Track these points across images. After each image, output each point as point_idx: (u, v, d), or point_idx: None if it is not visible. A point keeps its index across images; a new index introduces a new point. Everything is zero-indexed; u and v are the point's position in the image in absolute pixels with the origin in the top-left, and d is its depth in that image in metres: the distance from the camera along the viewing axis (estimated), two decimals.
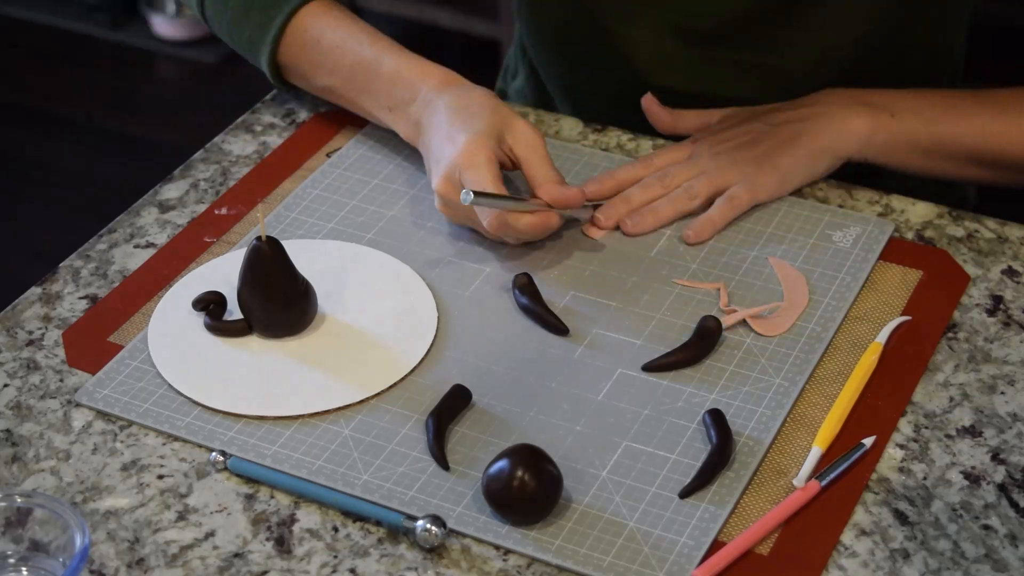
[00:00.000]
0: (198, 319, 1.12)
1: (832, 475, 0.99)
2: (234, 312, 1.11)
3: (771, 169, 1.21)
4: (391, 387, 1.07)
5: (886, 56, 1.31)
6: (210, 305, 1.12)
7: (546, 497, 0.97)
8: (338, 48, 1.25)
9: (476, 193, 1.10)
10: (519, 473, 0.96)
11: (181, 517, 0.99)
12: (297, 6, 1.27)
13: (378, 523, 0.98)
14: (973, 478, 1.00)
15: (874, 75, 1.29)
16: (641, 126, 1.32)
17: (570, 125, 1.34)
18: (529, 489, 0.96)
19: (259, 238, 1.08)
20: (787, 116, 1.24)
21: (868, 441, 1.02)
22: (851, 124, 1.22)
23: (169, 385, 1.07)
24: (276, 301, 1.09)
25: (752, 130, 1.24)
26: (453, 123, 1.17)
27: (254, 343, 1.10)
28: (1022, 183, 1.26)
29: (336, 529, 0.98)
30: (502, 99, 1.24)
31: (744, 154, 1.22)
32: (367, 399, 1.06)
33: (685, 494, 0.99)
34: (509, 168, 1.18)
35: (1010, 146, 1.22)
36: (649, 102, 1.29)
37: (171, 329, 1.11)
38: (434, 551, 0.96)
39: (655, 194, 1.21)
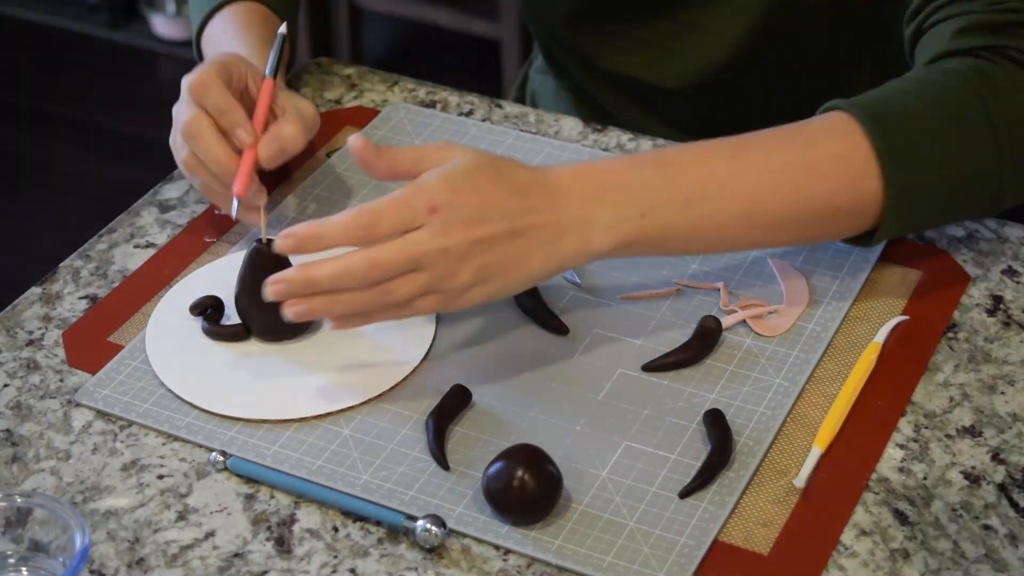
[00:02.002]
0: (196, 323, 1.12)
1: None
2: (232, 316, 1.11)
3: (481, 289, 1.03)
4: (391, 388, 1.07)
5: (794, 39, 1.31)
6: (207, 310, 1.11)
7: (546, 497, 0.97)
8: (237, 34, 1.27)
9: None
10: (519, 473, 0.96)
11: (181, 517, 0.99)
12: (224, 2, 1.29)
13: (378, 523, 0.98)
14: (973, 478, 1.00)
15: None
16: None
17: (570, 125, 1.34)
18: (529, 489, 0.96)
19: (259, 240, 1.08)
20: (529, 222, 1.02)
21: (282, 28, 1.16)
22: (593, 243, 1.04)
23: (168, 389, 1.07)
24: (276, 304, 1.08)
25: (491, 225, 1.01)
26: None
27: (253, 347, 1.10)
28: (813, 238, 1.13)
29: (336, 529, 0.98)
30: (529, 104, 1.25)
31: (470, 263, 1.01)
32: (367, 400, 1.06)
33: (685, 494, 0.99)
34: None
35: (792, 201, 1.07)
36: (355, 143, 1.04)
37: (169, 333, 1.11)
38: (434, 551, 0.96)
39: (347, 288, 1.01)
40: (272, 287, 1.01)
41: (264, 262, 1.07)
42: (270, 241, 1.06)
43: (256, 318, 1.09)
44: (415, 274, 1.00)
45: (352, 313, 1.02)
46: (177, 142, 1.18)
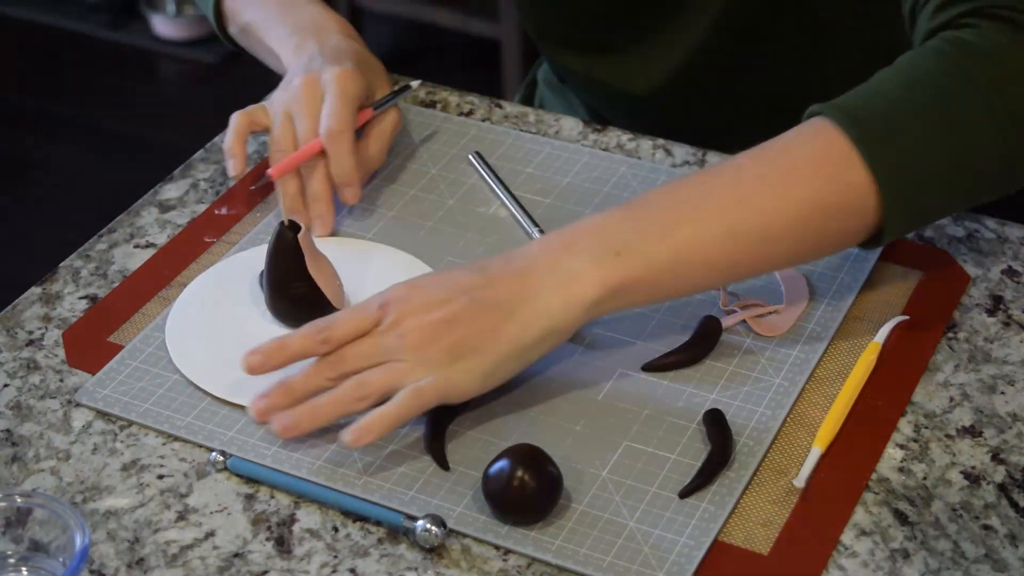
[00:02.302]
0: (218, 313, 1.11)
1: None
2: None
3: (467, 367, 1.00)
4: None
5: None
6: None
7: (546, 497, 0.97)
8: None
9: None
10: (519, 473, 0.96)
11: (181, 517, 0.99)
12: None
13: (378, 523, 0.98)
14: (973, 478, 1.00)
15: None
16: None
17: (570, 125, 1.34)
18: (529, 489, 0.96)
19: (282, 222, 1.08)
20: (492, 294, 1.01)
21: (415, 83, 1.19)
22: (574, 293, 1.00)
23: (186, 379, 1.07)
24: (294, 288, 1.08)
25: (449, 306, 1.00)
26: (349, 55, 1.23)
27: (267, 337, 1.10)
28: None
29: (336, 529, 0.98)
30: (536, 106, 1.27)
31: (435, 344, 0.99)
32: None
33: (685, 494, 0.99)
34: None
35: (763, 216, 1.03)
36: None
37: (191, 325, 1.11)
38: (434, 551, 0.96)
39: (320, 384, 1.01)
40: (255, 407, 1.01)
41: (294, 243, 1.08)
42: (292, 222, 1.08)
43: (295, 303, 1.09)
44: (385, 366, 0.99)
45: (340, 414, 1.00)
46: (275, 135, 1.21)
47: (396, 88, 1.26)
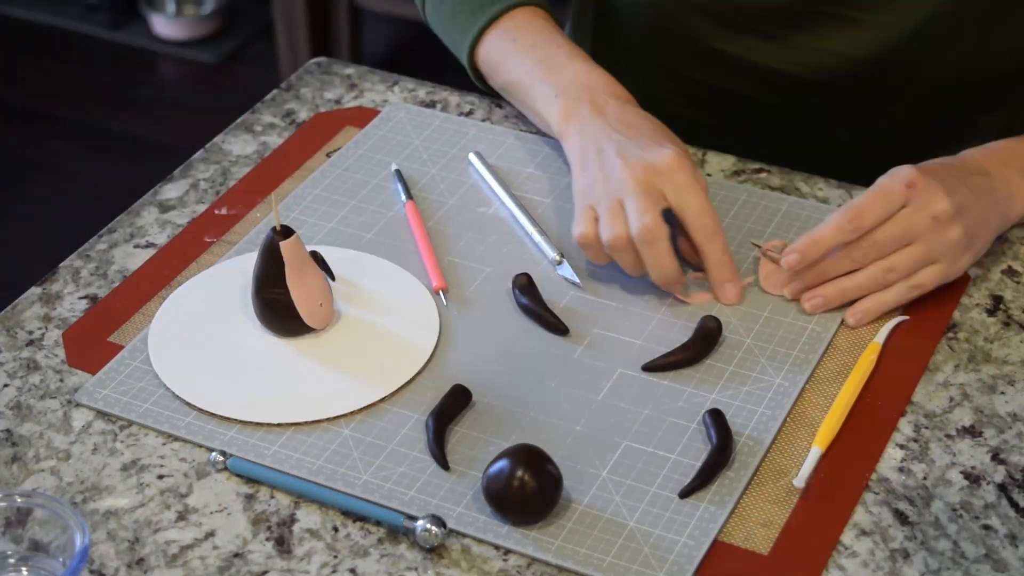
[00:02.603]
0: (202, 322, 1.12)
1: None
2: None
3: (972, 252, 1.12)
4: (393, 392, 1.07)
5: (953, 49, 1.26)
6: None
7: (546, 497, 0.97)
8: (533, 47, 1.25)
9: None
10: (519, 473, 0.96)
11: (181, 517, 0.99)
12: (509, 7, 1.27)
13: (378, 523, 0.98)
14: (973, 478, 1.00)
15: (941, 67, 1.26)
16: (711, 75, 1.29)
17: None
18: (529, 489, 0.96)
19: (274, 228, 1.08)
20: (977, 188, 1.12)
21: None
22: (1018, 202, 1.15)
23: (167, 389, 1.07)
24: (285, 297, 1.08)
25: (958, 191, 1.10)
26: (654, 129, 1.15)
27: (257, 347, 1.10)
28: None
29: (336, 529, 0.98)
30: None
31: (957, 226, 1.10)
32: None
33: (685, 494, 0.99)
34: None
35: None
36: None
37: (173, 334, 1.11)
38: (434, 551, 0.96)
39: (851, 267, 1.11)
40: (791, 287, 1.12)
41: (278, 249, 1.07)
42: (284, 228, 1.07)
43: (267, 307, 1.09)
44: (911, 247, 1.09)
45: (863, 295, 1.11)
46: (605, 208, 1.12)
47: None
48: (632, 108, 1.19)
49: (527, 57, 1.25)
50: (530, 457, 0.96)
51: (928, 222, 1.09)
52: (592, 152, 1.15)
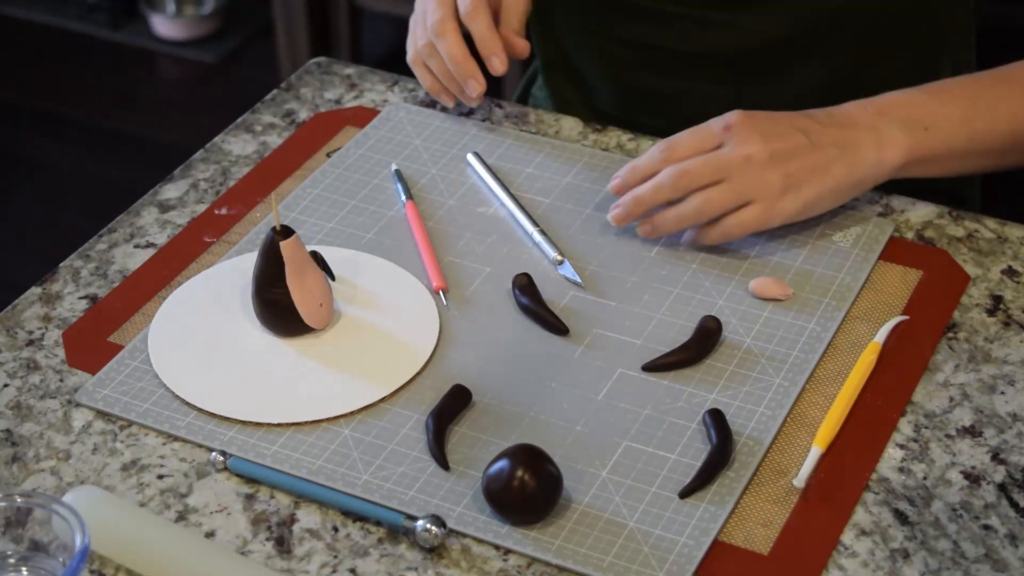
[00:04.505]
0: (202, 322, 1.12)
1: None
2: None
3: (795, 196, 1.14)
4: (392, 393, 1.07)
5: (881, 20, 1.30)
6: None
7: (546, 497, 0.97)
8: None
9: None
10: (519, 473, 0.96)
11: (181, 517, 0.99)
12: None
13: (378, 523, 0.98)
14: (973, 478, 1.00)
15: (870, 38, 1.29)
16: (657, 85, 1.32)
17: (570, 125, 1.34)
18: (529, 489, 0.96)
19: (274, 228, 1.08)
20: (824, 137, 1.16)
21: None
22: (887, 154, 1.16)
23: (168, 389, 1.07)
24: (286, 296, 1.08)
25: (785, 141, 1.15)
26: None
27: (257, 347, 1.10)
28: None
29: (336, 529, 0.98)
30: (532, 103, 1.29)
31: (775, 170, 1.14)
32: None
33: (685, 494, 0.99)
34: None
35: None
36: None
37: (172, 334, 1.11)
38: (434, 551, 0.96)
39: (666, 196, 1.15)
40: (613, 214, 1.17)
41: (278, 249, 1.07)
42: (284, 228, 1.07)
43: (267, 307, 1.09)
44: (725, 183, 1.13)
45: (687, 225, 1.15)
46: (417, 33, 1.30)
47: None
48: None
49: None
50: (530, 457, 0.96)
51: (739, 161, 1.13)
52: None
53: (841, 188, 1.16)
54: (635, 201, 1.17)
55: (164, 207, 1.25)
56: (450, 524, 0.97)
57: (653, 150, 1.17)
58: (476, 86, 1.27)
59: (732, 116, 1.15)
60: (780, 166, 1.14)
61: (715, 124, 1.16)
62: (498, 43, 1.27)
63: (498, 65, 1.27)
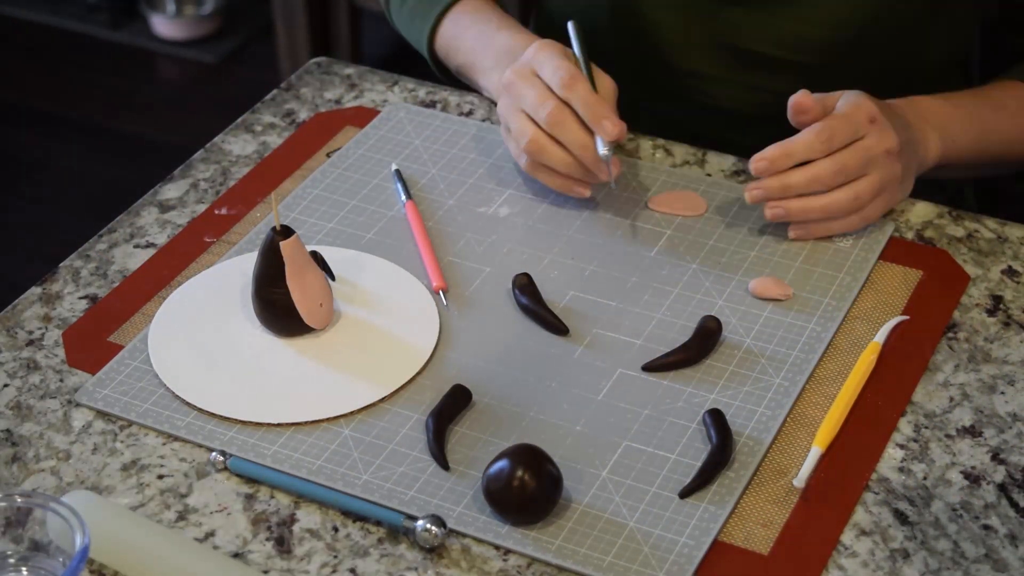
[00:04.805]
0: (202, 322, 1.12)
1: None
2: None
3: (904, 187, 1.21)
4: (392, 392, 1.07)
5: (899, 34, 1.31)
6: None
7: (546, 497, 0.97)
8: (471, 26, 1.34)
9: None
10: (519, 473, 0.96)
11: (181, 517, 0.99)
12: (445, 8, 1.36)
13: (378, 523, 0.98)
14: (973, 478, 1.00)
15: (886, 52, 1.30)
16: (662, 104, 1.30)
17: None
18: (529, 489, 0.95)
19: (274, 228, 1.08)
20: (910, 136, 1.21)
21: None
22: (929, 155, 1.24)
23: (168, 389, 1.07)
24: (286, 296, 1.08)
25: (903, 132, 1.20)
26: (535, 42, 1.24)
27: (257, 347, 1.10)
28: None
29: (336, 529, 0.98)
30: None
31: (900, 162, 1.18)
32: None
33: (685, 494, 0.99)
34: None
35: None
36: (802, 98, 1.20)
37: (172, 334, 1.11)
38: (434, 551, 0.96)
39: (818, 189, 1.16)
40: (751, 192, 1.17)
41: (278, 249, 1.07)
42: (284, 228, 1.07)
43: (267, 307, 1.09)
44: (869, 177, 1.17)
45: (821, 219, 1.18)
46: (522, 130, 1.20)
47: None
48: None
49: (468, 38, 1.33)
50: (530, 457, 0.96)
51: (883, 155, 1.17)
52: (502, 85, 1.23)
53: (913, 179, 1.22)
54: (783, 187, 1.17)
55: (164, 207, 1.25)
56: (450, 524, 0.97)
57: (810, 138, 1.16)
58: (613, 126, 1.16)
59: (871, 109, 1.17)
60: (902, 160, 1.19)
61: (860, 114, 1.17)
62: (605, 105, 1.17)
63: (611, 128, 1.16)
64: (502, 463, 0.96)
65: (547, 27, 1.44)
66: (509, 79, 1.20)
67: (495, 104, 1.33)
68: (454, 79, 1.39)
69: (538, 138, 1.18)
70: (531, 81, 1.19)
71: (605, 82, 1.21)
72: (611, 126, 1.16)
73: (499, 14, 1.34)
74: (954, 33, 1.35)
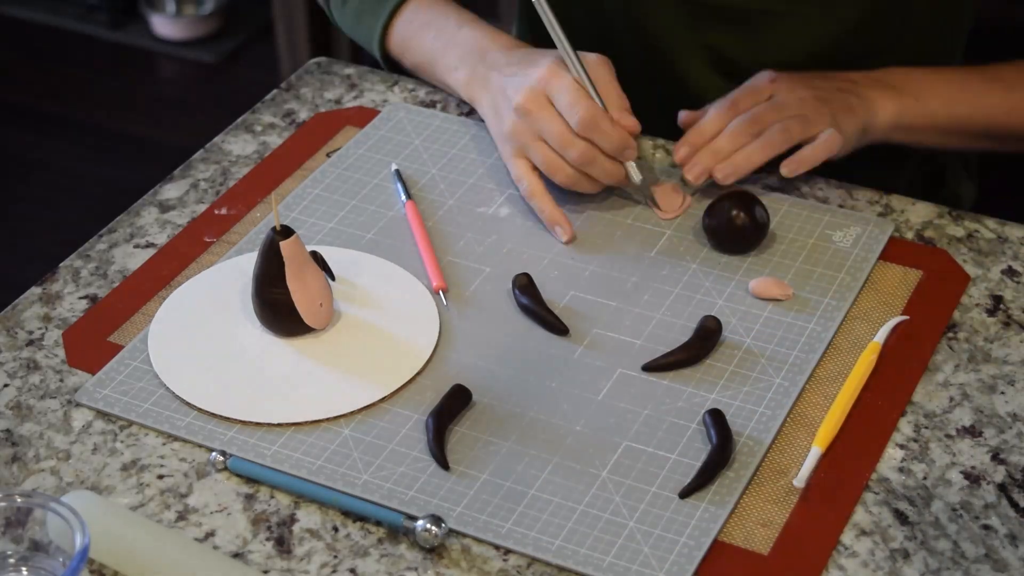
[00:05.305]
0: (202, 322, 1.12)
1: None
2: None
3: (835, 123, 1.22)
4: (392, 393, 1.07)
5: (891, 37, 1.33)
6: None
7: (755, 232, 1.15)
8: (428, 25, 1.33)
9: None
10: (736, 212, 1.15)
11: (181, 517, 0.99)
12: (396, 6, 1.35)
13: (378, 523, 0.98)
14: (973, 478, 1.00)
15: (881, 55, 1.31)
16: (659, 108, 1.31)
17: None
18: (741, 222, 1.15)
19: (274, 228, 1.08)
20: (839, 86, 1.25)
21: None
22: (882, 108, 1.25)
23: (168, 389, 1.07)
24: (286, 295, 1.08)
25: (821, 88, 1.24)
26: (528, 57, 1.24)
27: (257, 347, 1.10)
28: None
29: (336, 529, 0.98)
30: None
31: (824, 108, 1.22)
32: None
33: (685, 494, 0.99)
34: None
35: (1020, 121, 1.29)
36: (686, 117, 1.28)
37: (172, 334, 1.11)
38: (434, 551, 0.96)
39: (743, 141, 1.21)
40: (692, 172, 1.21)
41: (278, 249, 1.07)
42: (284, 228, 1.07)
43: (267, 307, 1.09)
44: (796, 117, 1.21)
45: (773, 153, 1.20)
46: (550, 162, 1.20)
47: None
48: (517, 50, 1.27)
49: (425, 36, 1.33)
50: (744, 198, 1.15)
51: (796, 101, 1.22)
52: (501, 100, 1.23)
53: (859, 128, 1.24)
54: (712, 153, 1.21)
55: (164, 207, 1.25)
56: (450, 524, 0.97)
57: (712, 111, 1.24)
58: (634, 151, 1.20)
59: (769, 73, 1.25)
60: (825, 105, 1.22)
61: (759, 81, 1.25)
62: (627, 136, 1.20)
63: (633, 154, 1.20)
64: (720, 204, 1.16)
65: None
66: (523, 106, 1.19)
67: (462, 100, 1.34)
68: (409, 74, 1.39)
69: (571, 175, 1.19)
70: (549, 114, 1.19)
71: (600, 73, 1.21)
72: (633, 152, 1.20)
73: (456, 9, 1.34)
74: (936, 46, 1.35)
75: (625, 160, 1.19)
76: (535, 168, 1.21)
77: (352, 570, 0.95)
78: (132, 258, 1.20)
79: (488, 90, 1.25)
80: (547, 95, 1.19)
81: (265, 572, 0.95)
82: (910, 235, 1.21)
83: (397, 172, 1.26)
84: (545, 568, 0.95)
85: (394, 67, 1.39)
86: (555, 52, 1.21)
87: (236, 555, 0.96)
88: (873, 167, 1.29)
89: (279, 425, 1.04)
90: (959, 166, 1.46)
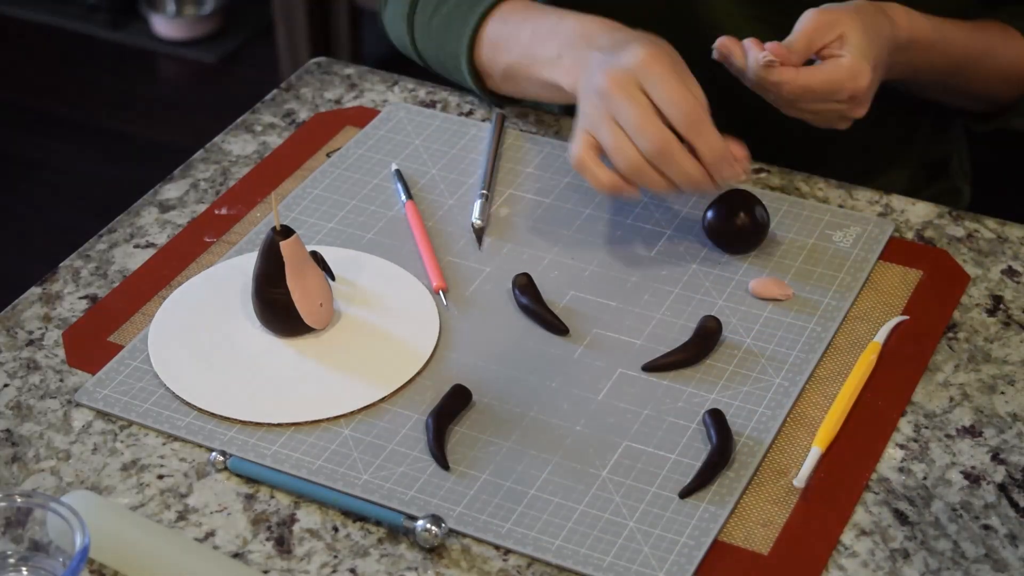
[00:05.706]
0: (202, 322, 1.12)
1: None
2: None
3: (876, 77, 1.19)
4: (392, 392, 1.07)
5: None
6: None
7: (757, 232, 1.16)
8: (523, 22, 1.24)
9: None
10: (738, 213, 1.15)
11: (181, 517, 0.99)
12: (493, 3, 1.27)
13: (378, 523, 0.98)
14: (973, 478, 1.00)
15: None
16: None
17: (570, 125, 1.33)
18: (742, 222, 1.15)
19: (274, 228, 1.08)
20: (880, 24, 1.19)
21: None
22: (899, 18, 1.21)
23: (168, 389, 1.07)
24: (286, 296, 1.08)
25: (875, 57, 1.18)
26: (636, 38, 1.14)
27: (257, 347, 1.10)
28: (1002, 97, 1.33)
29: (336, 529, 0.98)
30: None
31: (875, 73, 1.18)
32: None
33: (685, 494, 0.99)
34: None
35: (992, 62, 1.29)
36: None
37: (172, 334, 1.11)
38: (434, 551, 0.96)
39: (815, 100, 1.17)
40: (764, 59, 1.14)
41: (278, 249, 1.07)
42: (284, 228, 1.07)
43: (267, 307, 1.09)
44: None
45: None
46: (619, 149, 1.11)
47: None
48: (624, 33, 1.17)
49: (521, 34, 1.24)
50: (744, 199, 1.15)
51: (853, 109, 1.18)
52: (588, 81, 1.13)
53: (885, 57, 1.20)
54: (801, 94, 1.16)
55: (164, 207, 1.25)
56: (450, 524, 0.97)
57: (795, 77, 1.16)
58: (741, 167, 1.12)
59: (857, 89, 1.16)
60: (877, 72, 1.18)
61: (846, 83, 1.16)
62: (728, 149, 1.11)
63: (741, 173, 1.12)
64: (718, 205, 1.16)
65: None
66: (605, 86, 1.10)
67: (572, 107, 1.23)
68: (492, 96, 1.32)
69: (641, 165, 1.10)
70: (634, 97, 1.09)
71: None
72: (741, 170, 1.11)
73: (552, 8, 1.24)
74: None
75: (721, 177, 1.10)
76: (597, 146, 1.12)
77: (352, 570, 0.95)
78: (132, 258, 1.20)
79: (587, 71, 1.15)
80: (638, 81, 1.09)
81: (265, 572, 0.95)
82: (910, 235, 1.21)
83: (397, 172, 1.26)
84: (545, 568, 0.95)
85: (480, 81, 1.30)
86: (657, 39, 1.14)
87: (236, 555, 0.96)
88: (875, 160, 1.28)
89: (279, 425, 1.04)
90: (957, 163, 1.46)
